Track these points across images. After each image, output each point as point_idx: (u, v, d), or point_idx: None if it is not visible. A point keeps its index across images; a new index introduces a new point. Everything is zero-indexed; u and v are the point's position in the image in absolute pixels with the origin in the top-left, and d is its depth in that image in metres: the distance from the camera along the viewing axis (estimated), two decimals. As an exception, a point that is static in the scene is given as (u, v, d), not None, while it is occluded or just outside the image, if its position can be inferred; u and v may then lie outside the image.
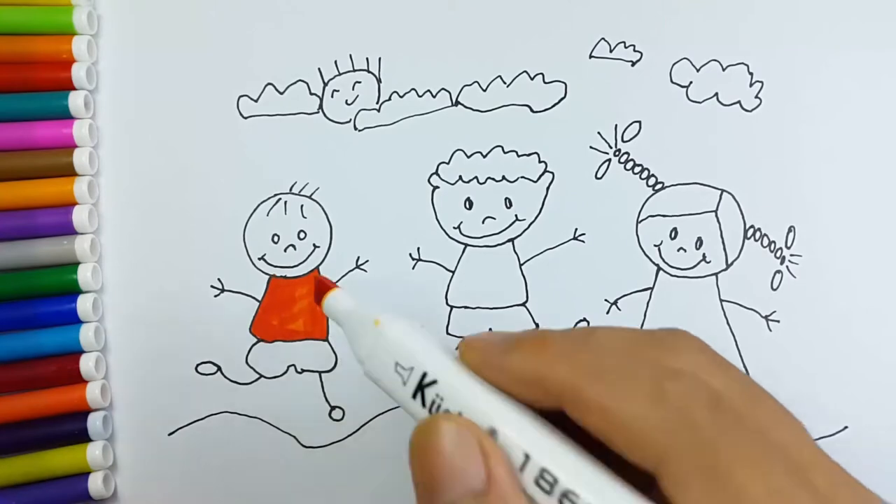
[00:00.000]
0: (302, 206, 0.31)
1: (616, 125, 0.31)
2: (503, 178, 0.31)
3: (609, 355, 0.18)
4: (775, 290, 0.30)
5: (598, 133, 0.31)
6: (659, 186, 0.31)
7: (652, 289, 0.30)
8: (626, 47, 0.31)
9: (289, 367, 0.30)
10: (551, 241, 0.31)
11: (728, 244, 0.30)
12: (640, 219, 0.31)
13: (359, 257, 0.31)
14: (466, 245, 0.31)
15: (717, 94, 0.31)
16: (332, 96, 0.31)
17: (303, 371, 0.30)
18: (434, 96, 0.31)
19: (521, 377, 0.18)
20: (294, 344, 0.30)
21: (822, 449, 0.18)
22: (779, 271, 0.30)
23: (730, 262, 0.30)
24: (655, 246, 0.30)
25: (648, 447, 0.16)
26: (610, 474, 0.17)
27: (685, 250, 0.30)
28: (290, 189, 0.31)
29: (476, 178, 0.31)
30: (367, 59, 0.31)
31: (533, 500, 0.17)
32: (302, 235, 0.31)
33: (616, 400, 0.17)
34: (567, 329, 0.19)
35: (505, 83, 0.31)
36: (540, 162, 0.31)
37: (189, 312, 0.30)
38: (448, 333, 0.30)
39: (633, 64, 0.31)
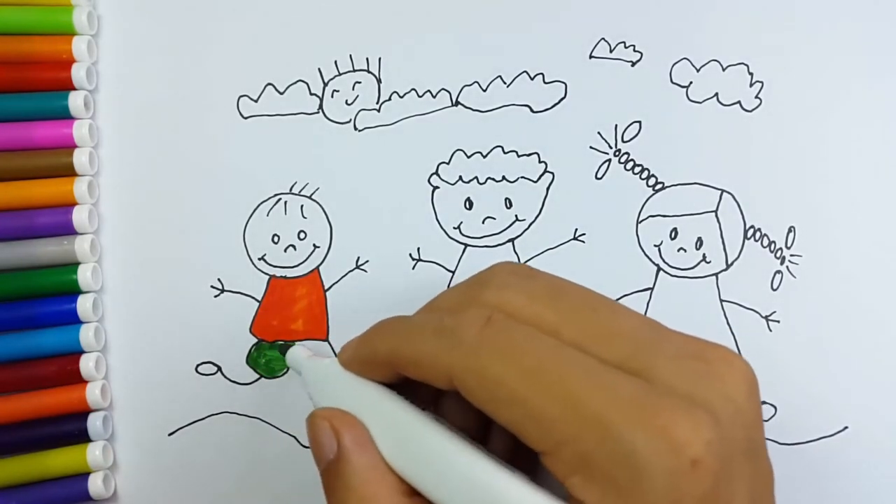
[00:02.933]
0: (302, 206, 0.31)
1: (616, 125, 0.31)
2: (503, 178, 0.31)
3: (421, 315, 0.22)
4: (775, 290, 0.30)
5: (598, 133, 0.31)
6: (659, 186, 0.31)
7: (652, 289, 0.30)
8: (626, 47, 0.31)
9: (288, 367, 0.30)
10: (551, 242, 0.31)
11: (728, 244, 0.30)
12: (640, 219, 0.31)
13: (359, 257, 0.31)
14: (466, 245, 0.31)
15: (717, 94, 0.31)
16: (332, 96, 0.31)
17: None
18: (434, 96, 0.31)
19: (364, 362, 0.22)
20: (294, 344, 0.30)
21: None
22: (779, 271, 0.30)
23: (730, 262, 0.30)
24: (655, 246, 0.30)
25: (440, 372, 0.19)
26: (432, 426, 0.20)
27: (685, 250, 0.30)
28: (290, 189, 0.31)
29: (476, 178, 0.31)
30: (367, 59, 0.31)
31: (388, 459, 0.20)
32: (302, 235, 0.31)
33: (415, 346, 0.20)
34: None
35: (505, 83, 0.31)
36: (540, 162, 0.31)
37: (189, 312, 0.30)
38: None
39: (633, 64, 0.31)
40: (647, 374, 0.18)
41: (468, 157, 0.31)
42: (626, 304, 0.21)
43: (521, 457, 0.20)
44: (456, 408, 0.22)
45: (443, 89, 0.31)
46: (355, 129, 0.31)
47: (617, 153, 0.31)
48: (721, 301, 0.30)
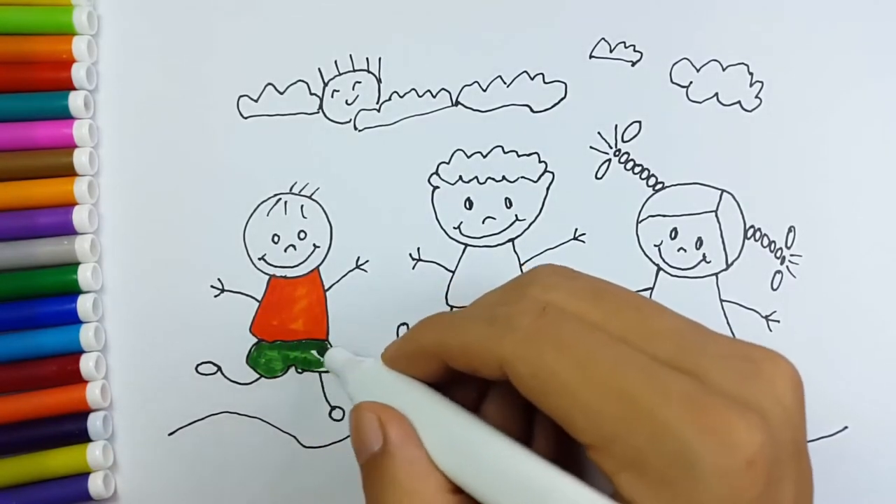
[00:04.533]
0: (302, 206, 0.31)
1: (616, 125, 0.31)
2: (503, 178, 0.31)
3: (468, 310, 0.22)
4: (775, 290, 0.30)
5: (598, 133, 0.31)
6: (659, 186, 0.31)
7: (652, 289, 0.30)
8: (626, 47, 0.31)
9: (289, 367, 0.30)
10: (551, 241, 0.31)
11: (728, 244, 0.30)
12: (640, 219, 0.31)
13: (359, 257, 0.31)
14: (466, 245, 0.31)
15: (717, 94, 0.31)
16: (332, 96, 0.31)
17: (303, 371, 0.30)
18: (434, 96, 0.31)
19: (409, 356, 0.22)
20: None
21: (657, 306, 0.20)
22: (779, 271, 0.30)
23: (730, 262, 0.30)
24: (655, 246, 0.30)
25: (490, 358, 0.19)
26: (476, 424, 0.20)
27: (685, 250, 0.30)
28: (290, 189, 0.31)
29: (476, 178, 0.31)
30: (367, 59, 0.31)
31: (431, 455, 0.21)
32: (302, 235, 0.31)
33: (464, 334, 0.20)
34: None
35: (505, 83, 0.31)
36: (540, 162, 0.31)
37: (189, 312, 0.30)
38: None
39: (633, 64, 0.31)
40: (696, 372, 0.18)
41: (468, 157, 0.31)
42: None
43: (563, 459, 0.20)
44: (498, 409, 0.22)
45: (443, 89, 0.31)
46: (355, 129, 0.31)
47: (617, 153, 0.31)
48: (721, 301, 0.30)
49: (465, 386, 0.23)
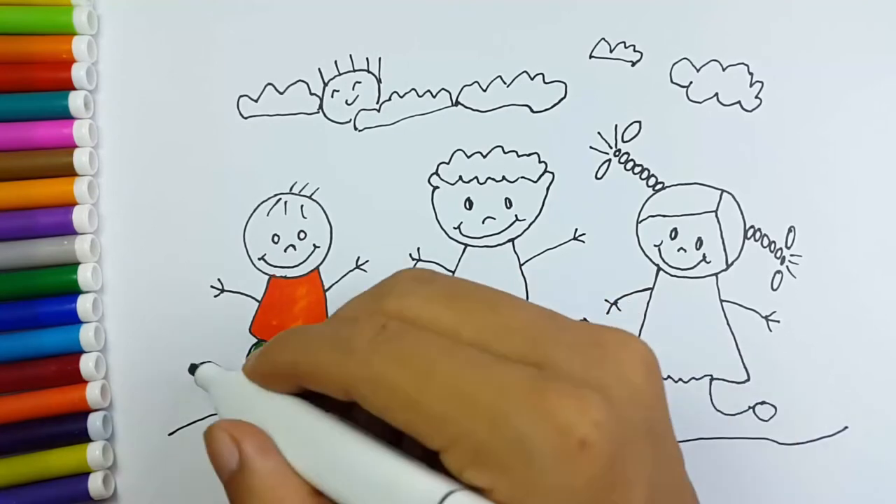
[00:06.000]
0: (302, 206, 0.31)
1: (616, 125, 0.31)
2: (503, 178, 0.31)
3: (323, 325, 0.21)
4: (775, 290, 0.30)
5: (598, 133, 0.31)
6: (659, 186, 0.31)
7: (652, 289, 0.30)
8: (626, 47, 0.31)
9: (289, 367, 0.30)
10: (551, 242, 0.31)
11: (728, 244, 0.30)
12: (640, 219, 0.31)
13: (359, 257, 0.31)
14: (466, 245, 0.31)
15: (717, 94, 0.31)
16: (332, 96, 0.31)
17: (303, 371, 0.30)
18: (434, 96, 0.31)
19: (265, 375, 0.22)
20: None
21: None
22: (779, 271, 0.30)
23: (730, 262, 0.30)
24: (655, 246, 0.30)
25: (336, 383, 0.19)
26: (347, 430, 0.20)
27: (685, 250, 0.30)
28: (290, 189, 0.31)
29: (476, 178, 0.31)
30: (367, 59, 0.31)
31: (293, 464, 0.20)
32: (302, 235, 0.31)
33: (312, 358, 0.20)
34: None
35: (505, 83, 0.31)
36: (540, 162, 0.31)
37: (189, 312, 0.30)
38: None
39: (633, 64, 0.31)
40: (543, 363, 0.18)
41: (468, 157, 0.31)
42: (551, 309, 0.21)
43: (433, 457, 0.20)
44: (366, 413, 0.22)
45: (443, 89, 0.31)
46: (355, 129, 0.31)
47: (617, 153, 0.31)
48: (721, 301, 0.30)
49: None
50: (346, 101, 0.31)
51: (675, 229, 0.30)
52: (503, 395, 0.17)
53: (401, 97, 0.31)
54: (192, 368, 0.26)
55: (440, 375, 0.18)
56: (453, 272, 0.31)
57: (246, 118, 0.31)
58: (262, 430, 0.21)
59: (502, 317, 0.19)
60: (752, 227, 0.30)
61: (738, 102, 0.31)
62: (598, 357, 0.18)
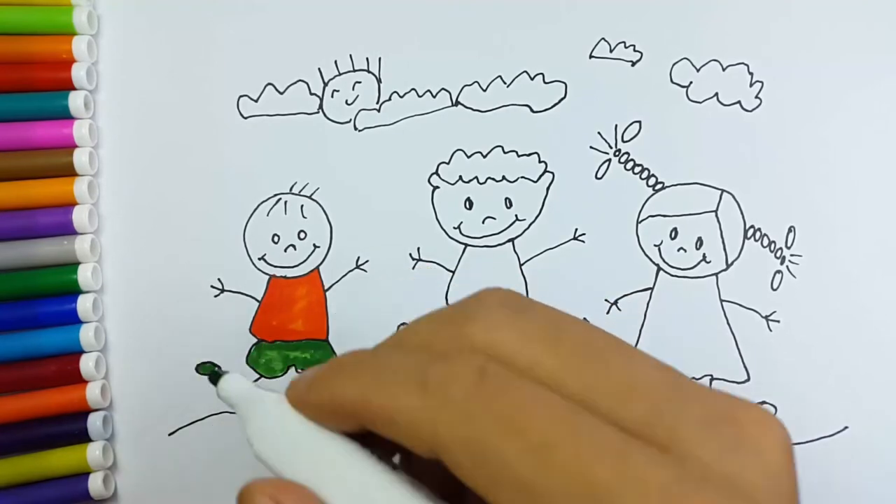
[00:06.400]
0: (302, 206, 0.31)
1: (616, 125, 0.31)
2: (503, 178, 0.31)
3: (396, 354, 0.18)
4: (775, 290, 0.30)
5: (598, 133, 0.31)
6: (659, 186, 0.31)
7: (652, 289, 0.30)
8: (626, 47, 0.31)
9: (289, 367, 0.30)
10: (551, 241, 0.31)
11: (728, 244, 0.30)
12: (640, 219, 0.31)
13: (359, 257, 0.31)
14: (466, 245, 0.31)
15: (717, 94, 0.31)
16: (332, 96, 0.31)
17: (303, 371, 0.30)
18: (434, 96, 0.31)
19: (321, 408, 0.18)
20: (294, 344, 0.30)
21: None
22: (779, 271, 0.30)
23: (730, 262, 0.30)
24: (655, 246, 0.30)
25: (422, 437, 0.16)
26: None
27: (685, 250, 0.30)
28: (290, 189, 0.31)
29: (476, 178, 0.31)
30: (367, 59, 0.31)
31: None
32: (302, 235, 0.31)
33: (391, 399, 0.17)
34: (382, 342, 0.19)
35: (505, 83, 0.31)
36: (540, 162, 0.31)
37: (189, 312, 0.30)
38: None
39: (633, 64, 0.31)
40: (673, 445, 0.15)
41: (468, 157, 0.31)
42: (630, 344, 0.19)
43: None
44: (428, 462, 0.18)
45: (443, 89, 0.31)
46: (355, 129, 0.31)
47: (617, 153, 0.31)
48: (721, 301, 0.30)
49: None
50: (346, 101, 0.31)
51: (675, 229, 0.30)
52: (645, 500, 0.14)
53: (401, 97, 0.31)
54: (212, 375, 0.22)
55: (562, 455, 0.15)
56: (453, 272, 0.31)
57: (246, 118, 0.31)
58: (310, 492, 0.18)
59: (615, 370, 0.16)
60: (752, 226, 0.30)
61: (738, 102, 0.31)
62: (734, 439, 0.16)
